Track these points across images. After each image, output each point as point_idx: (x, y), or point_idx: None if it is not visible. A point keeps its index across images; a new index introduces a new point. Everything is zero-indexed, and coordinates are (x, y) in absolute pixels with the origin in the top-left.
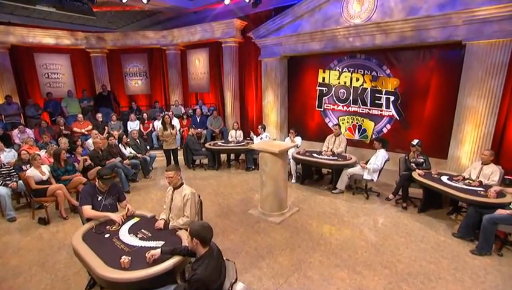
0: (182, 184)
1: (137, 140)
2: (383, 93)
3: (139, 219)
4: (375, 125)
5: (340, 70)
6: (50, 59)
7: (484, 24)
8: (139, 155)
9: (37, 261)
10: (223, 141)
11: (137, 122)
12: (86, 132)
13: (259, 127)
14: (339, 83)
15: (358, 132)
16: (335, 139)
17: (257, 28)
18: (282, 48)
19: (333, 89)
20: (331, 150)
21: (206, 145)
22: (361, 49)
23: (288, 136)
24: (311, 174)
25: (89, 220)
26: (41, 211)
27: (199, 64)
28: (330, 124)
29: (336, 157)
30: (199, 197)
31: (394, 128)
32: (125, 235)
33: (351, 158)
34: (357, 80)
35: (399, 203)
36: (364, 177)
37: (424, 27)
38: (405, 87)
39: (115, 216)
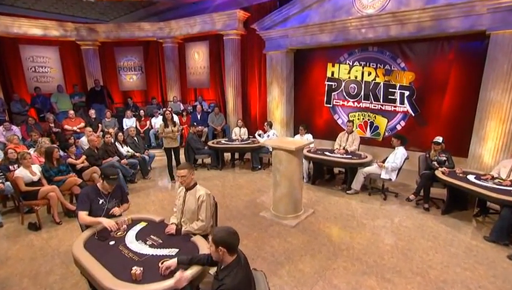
0: (195, 184)
1: (135, 138)
2: (397, 88)
3: (146, 223)
4: (388, 122)
5: (351, 64)
6: (37, 51)
7: (511, 12)
8: (137, 154)
9: (29, 273)
10: (226, 139)
11: (134, 119)
12: (78, 130)
13: (266, 124)
14: (349, 78)
15: (370, 129)
16: (347, 136)
17: (261, 19)
18: (289, 41)
19: (343, 84)
20: (344, 148)
21: (209, 143)
22: (375, 41)
23: (298, 133)
24: (322, 174)
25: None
26: (31, 215)
27: (198, 58)
28: (340, 121)
29: (350, 156)
30: (214, 198)
31: (409, 125)
32: (132, 242)
33: (366, 156)
34: (369, 74)
35: (420, 204)
36: (382, 176)
37: (444, 16)
38: (421, 82)
39: (107, 222)
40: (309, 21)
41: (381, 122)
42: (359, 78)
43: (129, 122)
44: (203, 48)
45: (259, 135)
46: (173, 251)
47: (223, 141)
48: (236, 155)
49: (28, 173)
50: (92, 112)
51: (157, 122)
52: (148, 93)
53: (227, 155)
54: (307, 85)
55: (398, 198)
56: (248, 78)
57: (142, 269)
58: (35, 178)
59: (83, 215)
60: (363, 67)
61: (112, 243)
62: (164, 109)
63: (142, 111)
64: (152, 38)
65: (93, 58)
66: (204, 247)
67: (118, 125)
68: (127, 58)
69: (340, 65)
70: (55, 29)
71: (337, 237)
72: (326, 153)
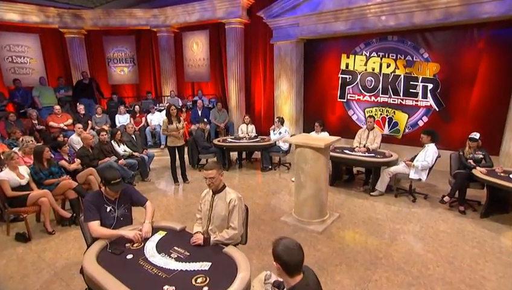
0: (224, 187)
1: (133, 136)
2: (420, 80)
3: (165, 232)
4: (408, 118)
5: (368, 54)
6: (15, 40)
7: None
8: (135, 154)
9: None
10: (232, 136)
11: (127, 115)
12: (66, 127)
13: (277, 119)
14: (365, 70)
15: (389, 126)
16: (368, 133)
17: (269, 6)
18: (299, 30)
19: (359, 76)
20: (365, 145)
21: (215, 141)
22: (396, 29)
23: (313, 130)
24: (341, 175)
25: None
26: (18, 224)
27: (197, 49)
28: (355, 117)
29: (373, 154)
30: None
31: (432, 121)
32: (154, 256)
33: (391, 155)
34: (388, 65)
35: (453, 207)
36: (410, 176)
37: (476, 0)
38: (446, 73)
39: (132, 233)
40: (322, 8)
41: (401, 118)
42: (377, 71)
43: (122, 119)
44: (203, 38)
45: (280, 133)
46: (205, 265)
47: (229, 139)
48: (241, 155)
49: (14, 175)
50: (81, 108)
51: (153, 118)
52: (141, 88)
53: (232, 155)
54: (319, 78)
55: (428, 200)
56: (252, 71)
57: (174, 288)
58: (24, 182)
59: (96, 226)
60: (381, 59)
61: (129, 256)
62: (168, 104)
63: (137, 107)
64: (145, 26)
65: (78, 48)
66: (241, 260)
67: (110, 122)
68: (117, 49)
69: (356, 56)
70: (35, 14)
71: (372, 244)
72: (346, 151)
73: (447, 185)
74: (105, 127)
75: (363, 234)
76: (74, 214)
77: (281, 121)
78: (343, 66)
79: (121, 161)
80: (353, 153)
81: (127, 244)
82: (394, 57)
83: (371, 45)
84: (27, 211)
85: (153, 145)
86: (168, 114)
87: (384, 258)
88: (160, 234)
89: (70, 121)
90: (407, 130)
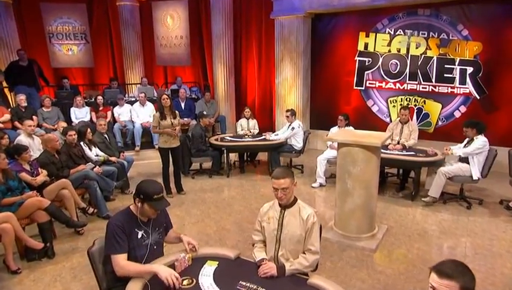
0: (296, 200)
1: (106, 136)
2: (457, 63)
3: (216, 262)
4: (442, 108)
5: (393, 32)
6: None
7: None
8: (112, 159)
9: None
10: (231, 135)
11: (87, 109)
12: (2, 124)
13: (288, 112)
14: (389, 51)
15: (418, 118)
16: (402, 127)
17: None
18: (308, 2)
19: (381, 59)
20: (399, 142)
21: (212, 140)
22: (428, 1)
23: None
24: None
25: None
26: None
27: (173, 24)
28: (375, 109)
29: (413, 152)
30: None
31: (471, 112)
32: None
33: (435, 153)
34: (418, 45)
35: None
36: (474, 177)
37: None
38: (490, 54)
39: (166, 274)
40: None
41: (433, 108)
42: (403, 52)
43: (80, 114)
44: (180, 10)
45: (292, 128)
46: None
47: (228, 138)
48: (243, 156)
49: None
50: (22, 99)
51: (122, 113)
52: (97, 73)
53: (231, 156)
54: (330, 62)
55: (485, 206)
56: (243, 52)
57: None
58: None
59: (124, 260)
60: (409, 37)
61: None
62: (163, 94)
63: (99, 98)
64: None
65: (4, 17)
66: None
67: (63, 118)
68: (62, 21)
69: (377, 35)
70: None
71: None
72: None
73: (504, 188)
74: (63, 124)
75: (425, 250)
76: (48, 244)
77: (293, 113)
78: (361, 47)
79: (97, 169)
80: (387, 151)
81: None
82: (425, 35)
83: (397, 20)
84: None
85: (124, 147)
86: (160, 107)
87: None
88: (210, 265)
89: (7, 116)
90: (440, 123)
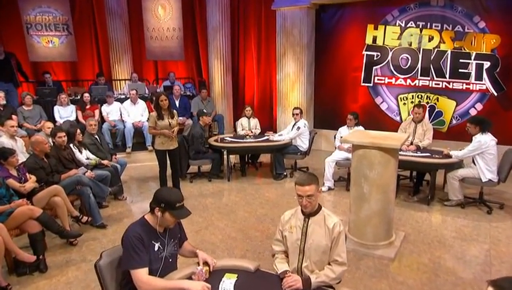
0: (320, 207)
1: (96, 137)
2: (473, 57)
3: (235, 275)
4: (456, 106)
5: (403, 25)
6: None
7: None
8: (104, 162)
9: None
10: (231, 135)
11: (72, 107)
12: None
13: (298, 111)
14: (400, 45)
15: (430, 116)
16: (415, 127)
17: None
18: None
19: (390, 53)
20: (412, 143)
21: (211, 141)
22: None
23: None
24: None
25: None
26: None
27: (165, 15)
28: (384, 106)
29: (429, 154)
30: None
31: (488, 109)
32: None
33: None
34: (431, 39)
35: None
36: (485, 179)
37: None
38: (509, 48)
39: (200, 287)
40: None
41: (447, 106)
42: (415, 46)
43: (65, 113)
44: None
45: (298, 128)
46: None
47: (229, 139)
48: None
49: None
50: (0, 96)
51: (111, 111)
52: (80, 68)
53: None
54: (335, 56)
55: (506, 210)
56: (241, 46)
57: None
58: None
59: (144, 274)
60: (421, 30)
61: None
62: (159, 93)
63: (86, 95)
64: None
65: None
66: None
67: (46, 117)
68: (42, 10)
69: (387, 27)
70: None
71: (465, 272)
72: None
73: None
74: (49, 125)
75: (447, 259)
76: (40, 257)
77: (300, 111)
78: (369, 40)
79: (90, 174)
80: (401, 152)
81: None
82: (439, 28)
83: (408, 12)
84: None
85: (115, 149)
86: (157, 107)
87: None
88: (229, 278)
89: None
90: (454, 122)
